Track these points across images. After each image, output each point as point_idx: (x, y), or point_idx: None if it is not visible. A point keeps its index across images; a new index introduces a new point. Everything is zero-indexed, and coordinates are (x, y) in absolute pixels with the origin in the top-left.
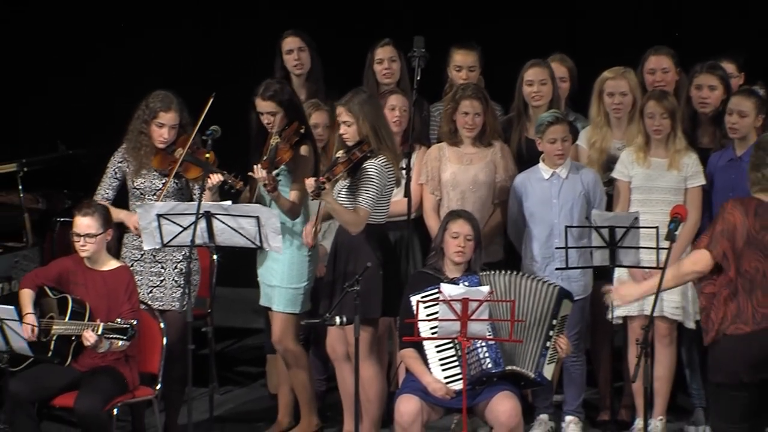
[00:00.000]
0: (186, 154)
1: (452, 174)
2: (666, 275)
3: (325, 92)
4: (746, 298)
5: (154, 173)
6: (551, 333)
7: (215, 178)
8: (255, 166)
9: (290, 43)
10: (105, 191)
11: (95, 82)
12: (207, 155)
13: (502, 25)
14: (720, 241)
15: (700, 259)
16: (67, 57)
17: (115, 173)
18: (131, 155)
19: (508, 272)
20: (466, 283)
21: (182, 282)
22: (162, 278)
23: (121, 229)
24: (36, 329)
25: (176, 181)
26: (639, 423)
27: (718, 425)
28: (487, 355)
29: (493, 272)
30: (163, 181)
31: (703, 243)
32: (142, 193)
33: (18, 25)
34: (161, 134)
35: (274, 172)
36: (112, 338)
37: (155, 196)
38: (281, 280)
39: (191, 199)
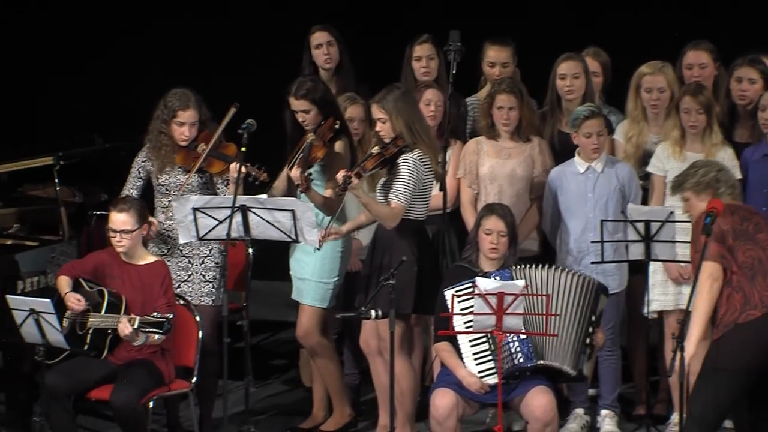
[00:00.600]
0: (209, 149)
1: (490, 168)
2: (699, 308)
3: (355, 86)
4: (750, 287)
5: (178, 169)
6: (590, 329)
7: (235, 169)
8: (291, 169)
9: (319, 37)
10: (129, 190)
11: (124, 74)
12: (243, 149)
13: (538, 18)
14: (710, 246)
15: (712, 271)
16: (94, 47)
17: (139, 172)
18: (153, 154)
19: (542, 266)
20: (498, 278)
21: (210, 276)
22: (189, 273)
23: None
24: (82, 299)
25: (200, 176)
26: (675, 417)
27: (702, 410)
28: (518, 349)
29: (526, 266)
30: (188, 178)
31: (696, 260)
32: (167, 190)
33: (48, 13)
34: (182, 132)
35: (308, 171)
36: (149, 332)
37: (180, 192)
38: (312, 274)
39: (215, 194)
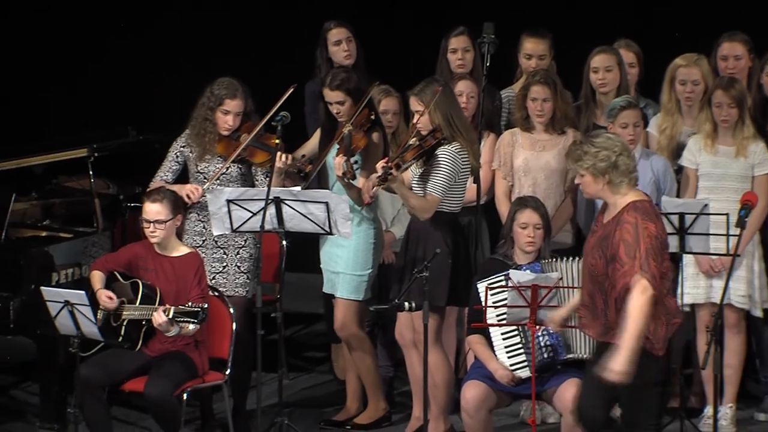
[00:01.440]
0: (252, 138)
1: (524, 160)
2: (638, 326)
3: (370, 82)
4: (668, 296)
5: (218, 158)
6: None
7: (283, 160)
8: (335, 157)
9: (337, 34)
10: (164, 173)
11: (158, 65)
12: (276, 141)
13: (577, 9)
14: (650, 263)
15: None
16: (130, 36)
17: (177, 157)
18: (195, 141)
19: (565, 258)
20: (528, 271)
21: (245, 267)
22: (224, 264)
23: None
24: (113, 296)
25: (240, 166)
26: (709, 410)
27: (645, 425)
28: (548, 343)
29: (554, 259)
30: (228, 166)
31: (634, 268)
32: (205, 178)
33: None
34: (226, 121)
35: (352, 160)
36: (183, 322)
37: (218, 181)
38: (346, 267)
39: (253, 185)
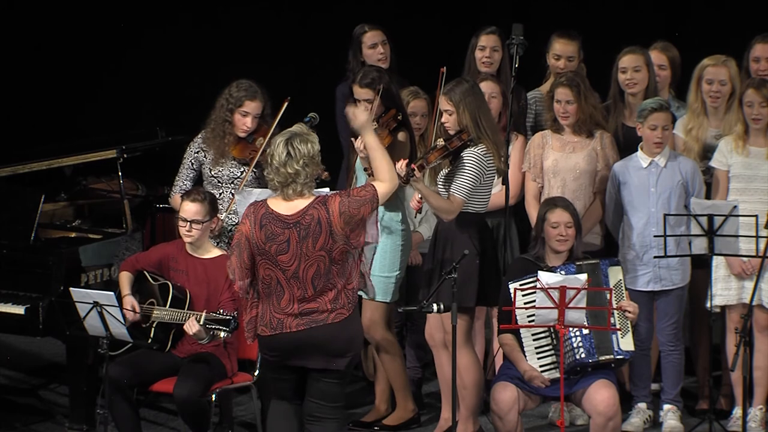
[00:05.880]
0: (267, 143)
1: (554, 161)
2: None
3: (403, 85)
4: (266, 304)
5: (233, 162)
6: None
7: None
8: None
9: (373, 37)
10: (183, 182)
11: (178, 66)
12: None
13: (609, 11)
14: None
15: None
16: (153, 36)
17: (192, 164)
18: (212, 144)
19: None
20: (563, 272)
21: None
22: None
23: None
24: (136, 308)
25: (255, 170)
26: (738, 412)
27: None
28: (581, 344)
29: (587, 259)
30: (242, 170)
31: None
32: (219, 182)
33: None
34: (245, 123)
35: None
36: (214, 329)
37: (232, 185)
38: (373, 269)
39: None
